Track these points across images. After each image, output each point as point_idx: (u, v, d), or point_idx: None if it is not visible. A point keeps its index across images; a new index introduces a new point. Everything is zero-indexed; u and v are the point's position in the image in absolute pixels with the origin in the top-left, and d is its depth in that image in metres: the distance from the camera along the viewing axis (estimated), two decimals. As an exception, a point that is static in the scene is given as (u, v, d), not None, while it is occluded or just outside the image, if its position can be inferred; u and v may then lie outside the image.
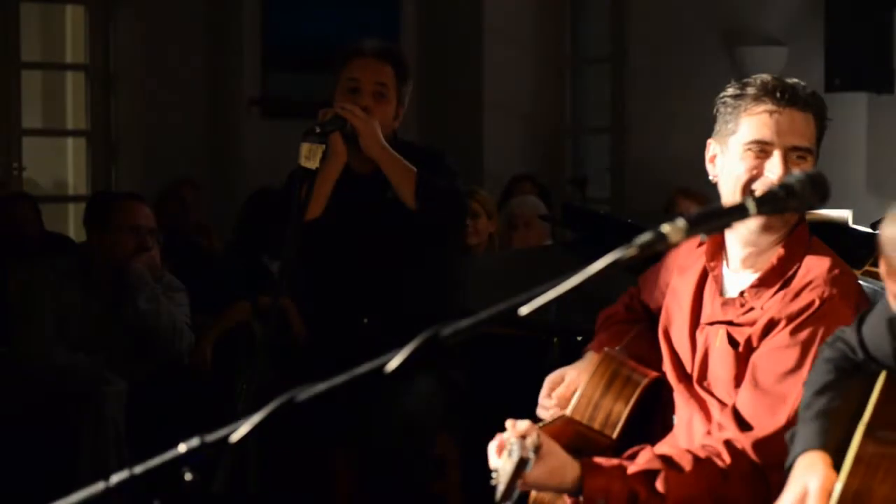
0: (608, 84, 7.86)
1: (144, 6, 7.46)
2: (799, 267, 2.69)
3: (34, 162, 7.48)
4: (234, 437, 1.66)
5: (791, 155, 2.67)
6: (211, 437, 1.66)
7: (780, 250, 2.71)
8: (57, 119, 7.88)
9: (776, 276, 2.70)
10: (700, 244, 2.83)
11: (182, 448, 1.65)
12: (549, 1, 7.99)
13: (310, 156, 3.82)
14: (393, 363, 1.70)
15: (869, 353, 2.25)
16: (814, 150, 2.70)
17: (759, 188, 2.66)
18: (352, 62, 4.05)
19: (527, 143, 7.91)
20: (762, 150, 2.68)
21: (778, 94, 2.69)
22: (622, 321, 3.08)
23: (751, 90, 2.72)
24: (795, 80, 2.75)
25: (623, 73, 7.60)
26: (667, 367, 2.84)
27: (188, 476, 1.63)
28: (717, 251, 2.81)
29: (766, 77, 2.74)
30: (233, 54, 7.80)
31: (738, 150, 2.71)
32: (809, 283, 2.63)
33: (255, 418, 1.66)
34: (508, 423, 2.52)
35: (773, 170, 2.66)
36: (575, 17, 8.10)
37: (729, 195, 2.73)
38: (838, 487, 1.98)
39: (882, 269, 1.93)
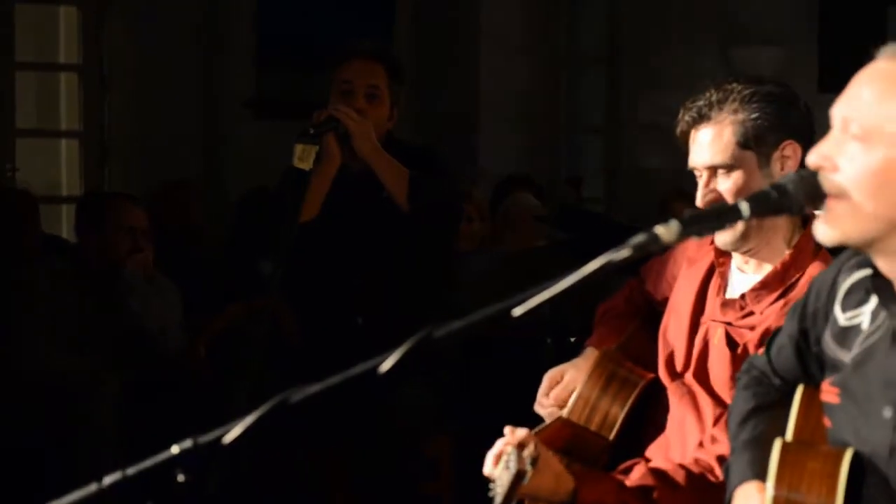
0: (603, 85, 7.87)
1: (138, 8, 7.45)
2: (801, 275, 2.66)
3: (27, 162, 7.46)
4: (228, 438, 1.66)
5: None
6: (204, 439, 1.66)
7: (785, 255, 2.70)
8: (50, 120, 7.87)
9: (778, 282, 2.68)
10: (712, 241, 2.81)
11: (175, 449, 1.65)
12: (545, 2, 8.00)
13: (304, 157, 3.83)
14: (386, 364, 1.70)
15: (780, 375, 2.27)
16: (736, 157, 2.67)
17: None
18: (345, 64, 4.06)
19: (522, 144, 7.91)
20: None
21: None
22: (621, 315, 3.07)
23: None
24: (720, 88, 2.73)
25: (618, 74, 7.61)
26: (660, 364, 2.83)
27: (181, 477, 1.64)
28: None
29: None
30: (226, 55, 7.78)
31: None
32: None
33: (249, 419, 1.66)
34: (507, 429, 2.51)
35: None
36: (571, 19, 8.11)
37: None
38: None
39: None
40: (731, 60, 6.57)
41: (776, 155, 2.68)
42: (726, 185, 2.66)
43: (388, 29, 7.98)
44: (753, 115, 2.66)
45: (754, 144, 2.66)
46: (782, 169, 2.67)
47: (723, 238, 2.69)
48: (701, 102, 2.69)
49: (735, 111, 2.67)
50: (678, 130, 2.73)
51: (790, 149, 2.68)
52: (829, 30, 6.02)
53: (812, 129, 2.71)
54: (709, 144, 2.67)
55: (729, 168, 2.67)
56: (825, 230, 1.91)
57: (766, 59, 6.47)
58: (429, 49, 8.04)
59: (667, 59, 7.07)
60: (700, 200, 2.69)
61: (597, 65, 7.98)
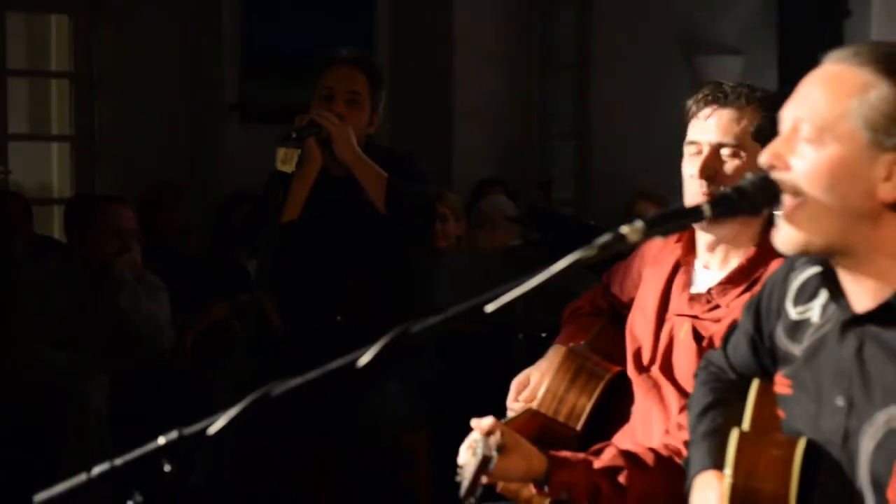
0: (573, 92, 7.88)
1: (126, 16, 7.43)
2: (765, 270, 2.67)
3: (20, 166, 7.44)
4: (212, 429, 1.66)
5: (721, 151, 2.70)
6: (189, 430, 1.66)
7: (750, 251, 2.71)
8: (42, 124, 7.84)
9: (743, 277, 2.69)
10: (678, 240, 2.84)
11: (161, 440, 1.65)
12: (516, 12, 8.00)
13: (286, 160, 3.83)
14: (364, 358, 1.70)
15: (737, 370, 2.28)
16: (745, 144, 2.70)
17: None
18: (327, 71, 4.06)
19: (495, 148, 7.91)
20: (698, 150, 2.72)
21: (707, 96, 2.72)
22: (587, 315, 3.08)
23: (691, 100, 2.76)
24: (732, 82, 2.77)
25: (587, 81, 7.62)
26: (628, 358, 2.85)
27: (167, 467, 1.63)
28: (692, 247, 2.82)
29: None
30: (212, 62, 7.77)
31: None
32: None
33: (232, 412, 1.66)
34: (474, 422, 2.53)
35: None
36: (541, 28, 8.12)
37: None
38: (726, 490, 2.01)
39: None
40: (695, 68, 6.58)
41: None
42: (730, 165, 2.68)
43: (369, 37, 7.98)
44: (767, 115, 2.68)
45: (761, 140, 2.67)
46: None
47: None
48: (727, 89, 2.72)
49: (758, 106, 2.70)
50: (693, 101, 2.74)
51: None
52: (787, 39, 6.05)
53: None
54: (727, 125, 2.70)
55: (736, 151, 2.69)
56: (785, 238, 1.91)
57: (728, 67, 6.49)
58: (407, 57, 8.04)
59: (633, 68, 7.08)
60: (696, 171, 2.69)
61: (567, 73, 7.99)
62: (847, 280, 1.94)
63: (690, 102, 2.75)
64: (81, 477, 1.62)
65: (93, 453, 4.50)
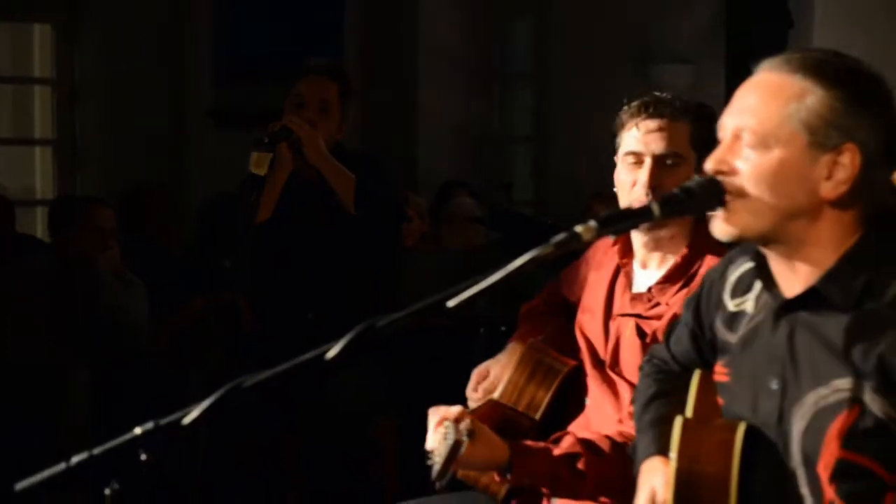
0: (532, 97, 7.89)
1: (106, 25, 7.39)
2: (700, 265, 2.70)
3: (4, 169, 7.39)
4: (186, 420, 1.66)
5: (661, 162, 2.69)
6: (164, 421, 1.66)
7: (684, 250, 2.73)
8: (25, 129, 7.79)
9: (679, 274, 2.71)
10: (615, 243, 2.85)
11: (137, 430, 1.64)
12: (478, 21, 8.01)
13: (259, 163, 3.83)
14: (332, 352, 1.70)
15: (679, 362, 2.30)
16: (685, 154, 2.69)
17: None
18: (300, 80, 4.06)
19: (458, 151, 7.92)
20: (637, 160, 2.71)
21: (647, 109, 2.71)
22: (542, 313, 3.10)
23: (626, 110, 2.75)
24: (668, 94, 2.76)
25: (545, 87, 7.63)
26: (583, 354, 2.86)
27: (143, 457, 1.63)
28: (629, 249, 2.84)
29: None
30: (188, 69, 7.75)
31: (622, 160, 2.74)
32: None
33: (206, 403, 1.66)
34: (430, 410, 2.53)
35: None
36: (502, 37, 8.13)
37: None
38: (672, 474, 2.02)
39: None
40: (647, 76, 6.60)
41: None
42: (673, 177, 2.66)
43: (338, 45, 7.97)
44: (703, 124, 2.68)
45: (699, 149, 2.68)
46: None
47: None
48: (664, 100, 2.71)
49: (692, 115, 2.70)
50: (629, 113, 2.71)
51: None
52: (735, 49, 6.08)
53: None
54: (668, 136, 2.68)
55: (678, 161, 2.69)
56: (724, 227, 1.94)
57: (679, 75, 6.52)
58: (374, 65, 8.04)
59: (589, 75, 7.09)
60: (643, 183, 2.68)
61: (526, 80, 8.00)
62: (779, 268, 1.97)
63: (625, 114, 2.73)
64: (60, 466, 1.61)
65: (73, 444, 4.47)
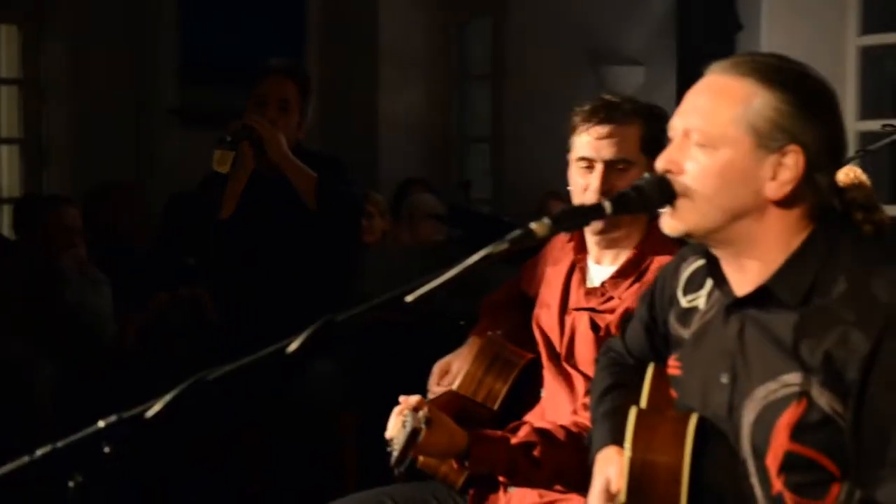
0: (489, 99, 7.90)
1: (72, 26, 7.34)
2: (652, 261, 2.72)
3: (-29, 167, 7.33)
4: (150, 413, 1.64)
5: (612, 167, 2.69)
6: (127, 414, 1.64)
7: (636, 246, 2.74)
8: (-8, 128, 7.73)
9: (632, 269, 2.72)
10: (570, 240, 2.86)
11: (101, 423, 1.63)
12: (437, 24, 8.01)
13: (222, 161, 3.82)
14: (293, 346, 1.69)
15: (634, 355, 2.32)
16: (635, 158, 2.69)
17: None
18: (261, 79, 4.05)
19: (418, 151, 7.92)
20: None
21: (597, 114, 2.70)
22: (502, 307, 3.10)
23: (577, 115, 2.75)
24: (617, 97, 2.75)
25: (502, 89, 7.64)
26: (540, 347, 2.87)
27: (107, 449, 1.61)
28: (584, 246, 2.84)
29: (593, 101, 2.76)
30: (154, 69, 7.71)
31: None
32: None
33: (168, 396, 1.64)
34: (401, 397, 2.53)
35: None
36: (460, 39, 8.13)
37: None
38: (626, 464, 2.03)
39: None
40: (600, 77, 6.62)
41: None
42: (624, 181, 2.65)
43: (300, 47, 7.95)
44: (652, 127, 2.69)
45: (648, 151, 2.68)
46: None
47: (596, 224, 2.71)
48: (614, 104, 2.70)
49: (640, 119, 2.70)
50: (580, 117, 2.71)
51: None
52: (685, 51, 6.11)
53: None
54: (618, 142, 2.68)
55: (627, 165, 2.69)
56: (672, 224, 1.95)
57: (631, 77, 6.54)
58: (335, 65, 8.02)
59: (544, 76, 7.11)
60: (595, 189, 2.68)
61: (483, 81, 8.01)
62: (729, 268, 1.98)
63: (577, 118, 2.74)
64: (24, 459, 1.59)
65: (38, 438, 4.43)
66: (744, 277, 1.95)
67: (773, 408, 1.88)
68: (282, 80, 4.05)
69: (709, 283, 2.05)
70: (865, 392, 1.80)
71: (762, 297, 1.92)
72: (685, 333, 2.08)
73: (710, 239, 1.96)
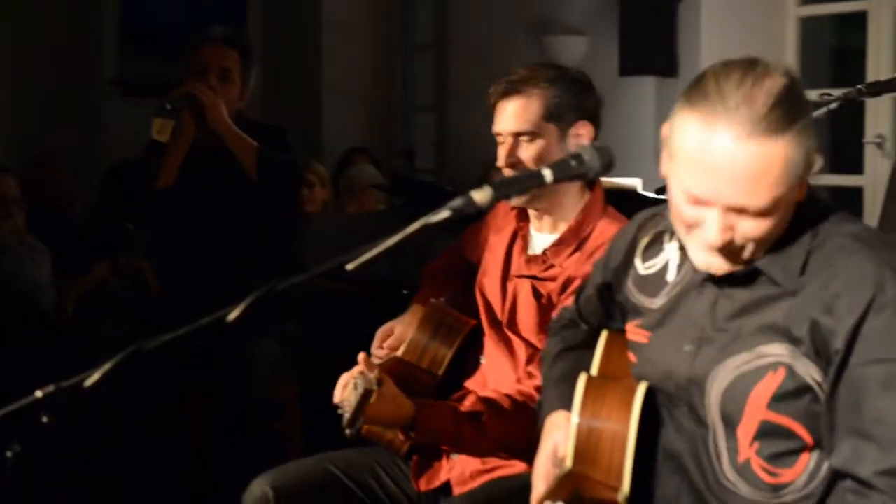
0: (433, 68, 7.88)
1: (10, -6, 7.26)
2: (593, 230, 2.74)
3: None
4: (88, 382, 1.63)
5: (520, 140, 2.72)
6: (66, 383, 1.62)
7: (577, 215, 2.76)
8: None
9: (573, 238, 2.74)
10: (513, 208, 2.87)
11: (38, 393, 1.61)
12: (380, -6, 7.99)
13: (161, 130, 3.78)
14: (233, 314, 1.69)
15: (587, 321, 2.34)
16: (540, 128, 2.71)
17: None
18: (201, 47, 4.01)
19: (361, 120, 7.89)
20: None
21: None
22: (444, 275, 3.11)
23: None
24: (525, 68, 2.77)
25: (446, 58, 7.62)
26: (481, 314, 2.88)
27: (45, 419, 1.60)
28: (526, 214, 2.85)
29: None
30: (93, 39, 7.64)
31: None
32: (601, 244, 2.66)
33: (107, 366, 1.63)
34: (361, 356, 2.57)
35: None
36: (404, 8, 8.09)
37: None
38: (573, 430, 2.05)
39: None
40: (543, 47, 6.62)
41: (572, 131, 2.73)
42: (529, 152, 2.70)
43: (242, 16, 7.90)
44: (557, 94, 2.70)
45: (556, 119, 2.70)
46: (575, 145, 2.70)
47: (518, 199, 2.74)
48: (514, 77, 2.72)
49: (543, 88, 2.71)
50: (491, 100, 2.75)
51: (584, 128, 2.74)
52: (627, 22, 6.12)
53: (600, 114, 2.77)
54: (517, 114, 2.70)
55: (532, 136, 2.71)
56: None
57: (573, 47, 6.54)
58: (277, 34, 7.96)
59: (487, 45, 7.10)
60: (502, 162, 2.72)
61: (427, 50, 7.99)
62: None
63: (490, 93, 2.76)
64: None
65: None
66: None
67: (746, 378, 1.90)
68: (223, 49, 4.00)
69: (672, 251, 2.08)
70: (847, 363, 1.82)
71: (736, 275, 1.93)
72: (649, 302, 2.09)
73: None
